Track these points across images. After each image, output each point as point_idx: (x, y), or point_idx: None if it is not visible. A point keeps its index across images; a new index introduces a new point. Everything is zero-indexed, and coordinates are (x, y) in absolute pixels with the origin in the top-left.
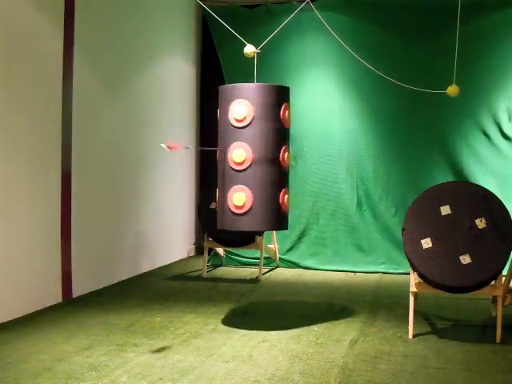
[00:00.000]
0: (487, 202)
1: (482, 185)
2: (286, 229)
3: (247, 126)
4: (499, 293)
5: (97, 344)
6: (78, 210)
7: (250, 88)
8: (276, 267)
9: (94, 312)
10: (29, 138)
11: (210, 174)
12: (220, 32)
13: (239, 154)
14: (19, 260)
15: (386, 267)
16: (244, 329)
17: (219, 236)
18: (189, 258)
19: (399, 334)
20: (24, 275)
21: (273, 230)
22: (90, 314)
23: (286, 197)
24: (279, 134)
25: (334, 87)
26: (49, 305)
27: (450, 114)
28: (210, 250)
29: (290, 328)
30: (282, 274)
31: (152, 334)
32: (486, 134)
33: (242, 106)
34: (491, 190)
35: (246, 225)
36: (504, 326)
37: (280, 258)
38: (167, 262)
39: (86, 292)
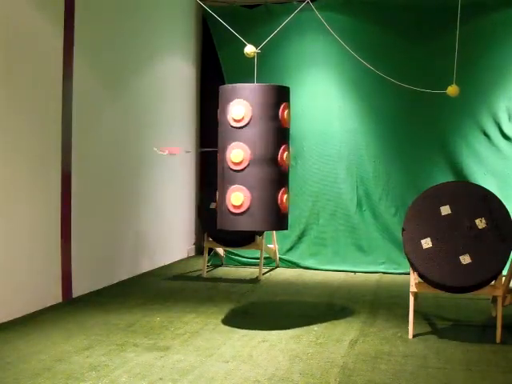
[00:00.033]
0: (487, 202)
1: (482, 185)
2: (286, 229)
3: (245, 125)
4: (499, 293)
5: (97, 344)
6: (78, 210)
7: (249, 88)
8: (276, 267)
9: (93, 312)
10: (29, 138)
11: (209, 174)
12: (220, 32)
13: (237, 153)
14: (19, 260)
15: (386, 267)
16: (244, 329)
17: (219, 236)
18: (189, 258)
19: (399, 334)
20: (24, 275)
21: (272, 230)
22: (90, 313)
23: (286, 197)
24: (278, 133)
25: (334, 87)
26: (49, 305)
27: (450, 114)
28: (210, 249)
29: (290, 328)
30: (282, 273)
31: (152, 334)
32: (486, 134)
33: (240, 106)
34: (491, 190)
35: (245, 225)
36: (504, 326)
37: (280, 258)
38: (167, 262)
39: (85, 292)
